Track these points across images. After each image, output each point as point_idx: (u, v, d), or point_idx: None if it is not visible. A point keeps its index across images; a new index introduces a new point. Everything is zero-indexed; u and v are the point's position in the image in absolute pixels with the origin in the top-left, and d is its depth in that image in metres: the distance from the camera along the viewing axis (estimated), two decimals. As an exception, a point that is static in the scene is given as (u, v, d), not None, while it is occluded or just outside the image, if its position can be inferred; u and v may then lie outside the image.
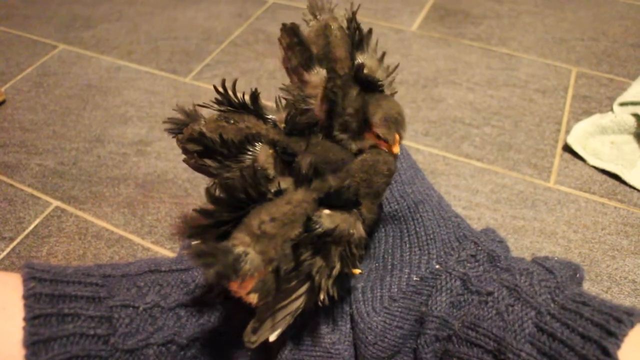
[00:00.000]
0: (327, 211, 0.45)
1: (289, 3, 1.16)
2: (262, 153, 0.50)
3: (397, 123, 0.55)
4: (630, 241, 0.68)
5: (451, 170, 0.77)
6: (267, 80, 0.94)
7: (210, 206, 0.43)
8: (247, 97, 0.54)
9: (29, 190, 0.79)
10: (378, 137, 0.55)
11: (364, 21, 1.07)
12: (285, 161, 0.50)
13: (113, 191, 0.78)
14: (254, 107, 0.53)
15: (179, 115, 0.55)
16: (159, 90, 0.94)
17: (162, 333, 0.48)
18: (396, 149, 0.55)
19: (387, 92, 0.59)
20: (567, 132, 0.82)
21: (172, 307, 0.50)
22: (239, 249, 0.41)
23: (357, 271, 0.56)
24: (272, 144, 0.51)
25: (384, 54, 0.62)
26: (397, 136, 0.55)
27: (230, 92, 0.53)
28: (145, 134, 0.86)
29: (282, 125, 0.53)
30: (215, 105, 0.54)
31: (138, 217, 0.74)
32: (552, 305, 0.45)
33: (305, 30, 0.61)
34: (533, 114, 0.86)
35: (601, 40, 1.02)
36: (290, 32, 0.59)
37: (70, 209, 0.76)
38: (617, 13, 1.09)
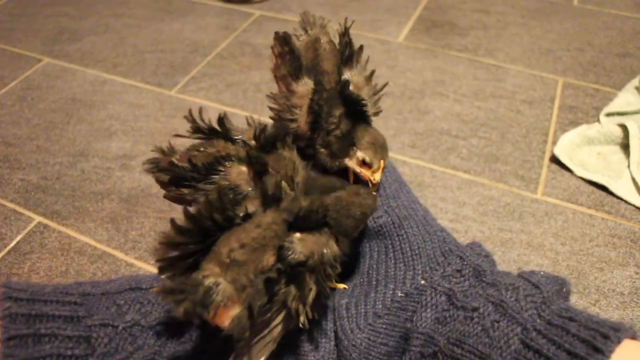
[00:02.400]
0: (298, 235, 0.44)
1: (276, 15, 1.16)
2: (233, 171, 0.50)
3: (383, 148, 0.55)
4: (618, 253, 0.68)
5: (438, 183, 0.77)
6: (253, 93, 0.94)
7: (176, 237, 0.43)
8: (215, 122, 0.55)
9: (11, 205, 0.77)
10: (363, 161, 0.55)
11: (351, 33, 1.07)
12: (259, 175, 0.49)
13: (97, 206, 0.77)
14: (222, 130, 0.54)
15: (156, 155, 0.55)
16: (144, 103, 0.93)
17: (142, 352, 0.47)
18: (377, 176, 0.55)
19: (372, 110, 0.59)
20: (554, 143, 0.82)
21: (152, 325, 0.49)
22: (210, 281, 0.41)
23: (341, 286, 0.55)
24: (242, 159, 0.51)
25: (373, 72, 0.61)
26: (381, 162, 0.55)
27: (198, 120, 0.55)
28: (130, 148, 0.85)
29: (252, 142, 0.53)
30: (191, 134, 0.55)
31: (122, 232, 0.73)
32: (538, 320, 0.45)
33: (296, 44, 0.61)
34: (520, 125, 0.86)
35: (587, 50, 1.02)
36: (282, 40, 0.60)
37: (52, 224, 0.75)
38: (602, 24, 1.10)
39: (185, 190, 0.52)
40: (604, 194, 0.75)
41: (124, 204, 0.77)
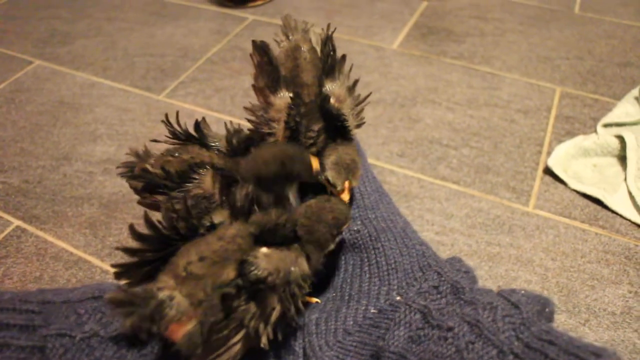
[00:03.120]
0: (264, 250, 0.42)
1: (269, 20, 1.14)
2: (207, 179, 0.49)
3: (348, 169, 0.52)
4: (611, 270, 0.65)
5: (425, 193, 0.74)
6: (242, 98, 0.92)
7: (134, 244, 0.41)
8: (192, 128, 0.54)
9: (-10, 209, 0.76)
10: (328, 181, 0.53)
11: (344, 39, 1.05)
12: (230, 183, 0.48)
13: (76, 211, 0.75)
14: (198, 137, 0.53)
15: (131, 159, 0.54)
16: (131, 107, 0.92)
17: None
18: (345, 196, 0.52)
19: (353, 123, 0.56)
20: (549, 154, 0.79)
21: (112, 336, 0.47)
22: (164, 294, 0.39)
23: (313, 300, 0.53)
24: (215, 168, 0.49)
25: (355, 82, 0.59)
26: (347, 183, 0.52)
27: (175, 125, 0.53)
28: (114, 152, 0.84)
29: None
30: (169, 139, 0.54)
31: (99, 238, 0.71)
32: (515, 343, 0.42)
33: (275, 53, 0.58)
34: (514, 134, 0.83)
35: (587, 59, 0.99)
36: (260, 50, 0.57)
37: (31, 228, 0.73)
38: (603, 32, 1.07)
39: (160, 198, 0.51)
40: (598, 207, 0.72)
41: (103, 209, 0.75)
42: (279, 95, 0.55)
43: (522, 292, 0.48)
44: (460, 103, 0.89)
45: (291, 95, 0.55)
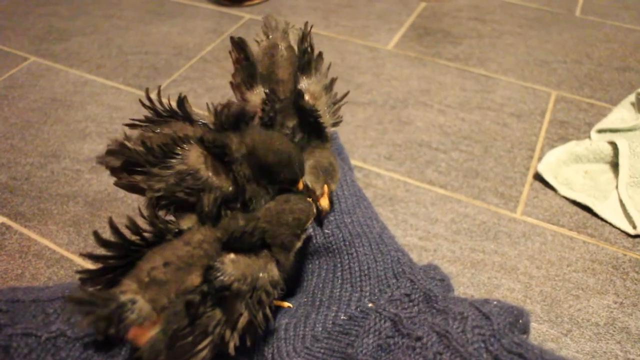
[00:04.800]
0: (232, 255, 0.41)
1: (266, 19, 1.13)
2: (192, 153, 0.46)
3: (326, 173, 0.52)
4: (597, 280, 0.63)
5: (411, 197, 0.73)
6: (232, 98, 0.91)
7: (99, 250, 0.40)
8: (174, 104, 0.50)
9: (-24, 205, 0.76)
10: (306, 186, 0.52)
11: (339, 39, 1.04)
12: (219, 159, 0.46)
13: (61, 209, 0.75)
14: (182, 112, 0.49)
15: (110, 147, 0.49)
16: (122, 105, 0.92)
17: None
18: (324, 201, 0.51)
19: (329, 121, 0.56)
20: (540, 159, 0.77)
21: (79, 337, 0.47)
22: (125, 297, 0.38)
23: (285, 304, 0.52)
24: (202, 141, 0.46)
25: (333, 80, 0.58)
26: (325, 187, 0.51)
27: (156, 102, 0.50)
28: (102, 150, 0.83)
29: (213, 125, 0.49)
30: (149, 119, 0.50)
31: (82, 236, 0.71)
32: (484, 355, 0.41)
33: (253, 50, 0.58)
34: (505, 139, 0.82)
35: (585, 63, 0.98)
36: (238, 46, 0.56)
37: (15, 225, 0.73)
38: (603, 36, 1.05)
39: (138, 177, 0.47)
40: (587, 215, 0.70)
41: (88, 207, 0.75)
42: (254, 92, 0.55)
43: (495, 302, 0.47)
44: (452, 106, 0.88)
45: (266, 91, 0.54)
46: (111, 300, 0.38)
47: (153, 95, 0.50)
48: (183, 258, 0.40)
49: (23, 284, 0.66)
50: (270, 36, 0.59)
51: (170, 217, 0.45)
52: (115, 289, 0.40)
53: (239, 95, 0.57)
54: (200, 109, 0.50)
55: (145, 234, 0.42)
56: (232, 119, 0.48)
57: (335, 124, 0.57)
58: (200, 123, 0.49)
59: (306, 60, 0.56)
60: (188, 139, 0.46)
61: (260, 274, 0.43)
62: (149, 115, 0.50)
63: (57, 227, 0.72)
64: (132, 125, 0.50)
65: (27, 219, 0.74)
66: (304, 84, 0.55)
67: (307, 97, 0.54)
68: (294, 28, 0.60)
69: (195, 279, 0.40)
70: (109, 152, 0.48)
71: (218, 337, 0.40)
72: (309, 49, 0.57)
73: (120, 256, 0.42)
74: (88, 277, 0.42)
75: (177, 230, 0.43)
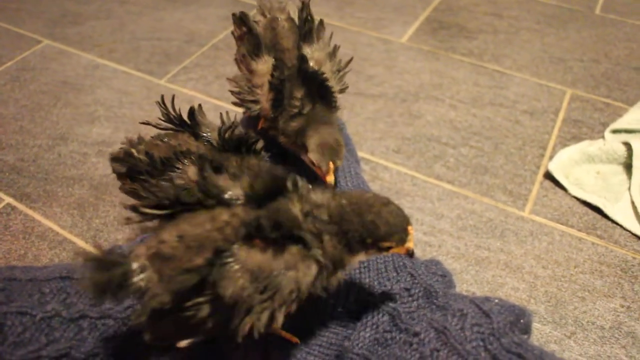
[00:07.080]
0: (246, 247, 0.38)
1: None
2: (191, 169, 0.47)
3: (331, 150, 0.52)
4: (605, 282, 0.62)
5: (418, 192, 0.72)
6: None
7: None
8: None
9: (-17, 185, 0.77)
10: (312, 163, 0.52)
11: (353, 30, 1.03)
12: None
13: (66, 191, 0.75)
14: (190, 124, 0.51)
15: (125, 147, 0.52)
16: (132, 90, 0.92)
17: (56, 345, 0.45)
18: (330, 178, 0.51)
19: (336, 87, 0.58)
20: (552, 158, 0.76)
21: (74, 317, 0.47)
22: (135, 264, 0.38)
23: (293, 339, 0.48)
24: (203, 158, 0.48)
25: (336, 47, 0.60)
26: (331, 164, 0.51)
27: (170, 109, 0.52)
28: (110, 134, 0.83)
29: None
30: (161, 122, 0.53)
31: (86, 219, 0.71)
32: (482, 354, 0.40)
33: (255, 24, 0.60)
34: (517, 136, 0.80)
35: (602, 62, 0.95)
36: (239, 21, 0.59)
37: (21, 206, 0.73)
38: (623, 34, 1.02)
39: (138, 186, 0.49)
40: (597, 216, 0.69)
41: (93, 190, 0.75)
42: (261, 61, 0.57)
43: (496, 300, 0.46)
44: (464, 101, 0.87)
45: (275, 58, 0.56)
46: (120, 264, 0.38)
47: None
48: (198, 237, 0.39)
49: (25, 264, 0.66)
50: (268, 15, 0.61)
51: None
52: (126, 255, 0.39)
53: (244, 67, 0.58)
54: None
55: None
56: (234, 142, 0.49)
57: (342, 90, 0.59)
58: (205, 139, 0.51)
59: (307, 28, 0.58)
60: (190, 154, 0.48)
61: (275, 273, 0.38)
62: (162, 118, 0.53)
63: (62, 209, 0.73)
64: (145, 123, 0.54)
65: (32, 200, 0.74)
66: (307, 50, 0.57)
67: (311, 63, 0.56)
68: (289, 5, 0.63)
69: (199, 261, 0.39)
70: (115, 159, 0.51)
71: (203, 335, 0.40)
72: (308, 18, 0.58)
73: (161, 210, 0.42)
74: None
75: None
